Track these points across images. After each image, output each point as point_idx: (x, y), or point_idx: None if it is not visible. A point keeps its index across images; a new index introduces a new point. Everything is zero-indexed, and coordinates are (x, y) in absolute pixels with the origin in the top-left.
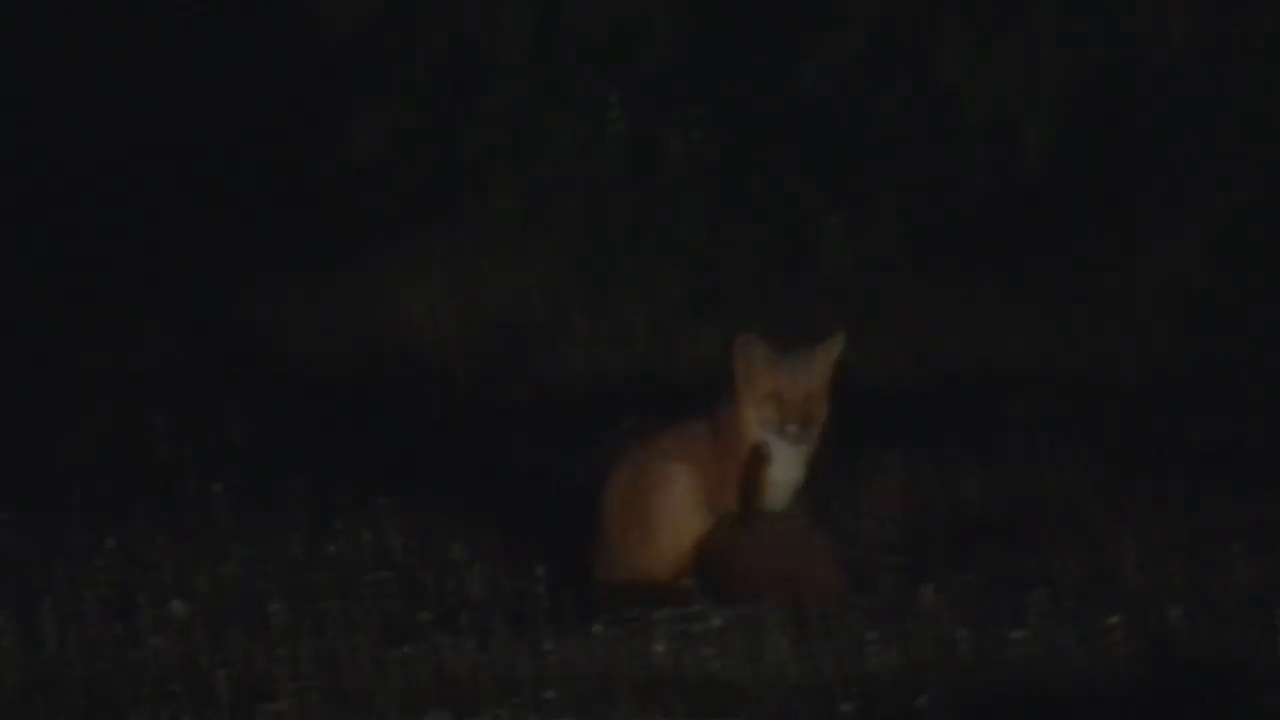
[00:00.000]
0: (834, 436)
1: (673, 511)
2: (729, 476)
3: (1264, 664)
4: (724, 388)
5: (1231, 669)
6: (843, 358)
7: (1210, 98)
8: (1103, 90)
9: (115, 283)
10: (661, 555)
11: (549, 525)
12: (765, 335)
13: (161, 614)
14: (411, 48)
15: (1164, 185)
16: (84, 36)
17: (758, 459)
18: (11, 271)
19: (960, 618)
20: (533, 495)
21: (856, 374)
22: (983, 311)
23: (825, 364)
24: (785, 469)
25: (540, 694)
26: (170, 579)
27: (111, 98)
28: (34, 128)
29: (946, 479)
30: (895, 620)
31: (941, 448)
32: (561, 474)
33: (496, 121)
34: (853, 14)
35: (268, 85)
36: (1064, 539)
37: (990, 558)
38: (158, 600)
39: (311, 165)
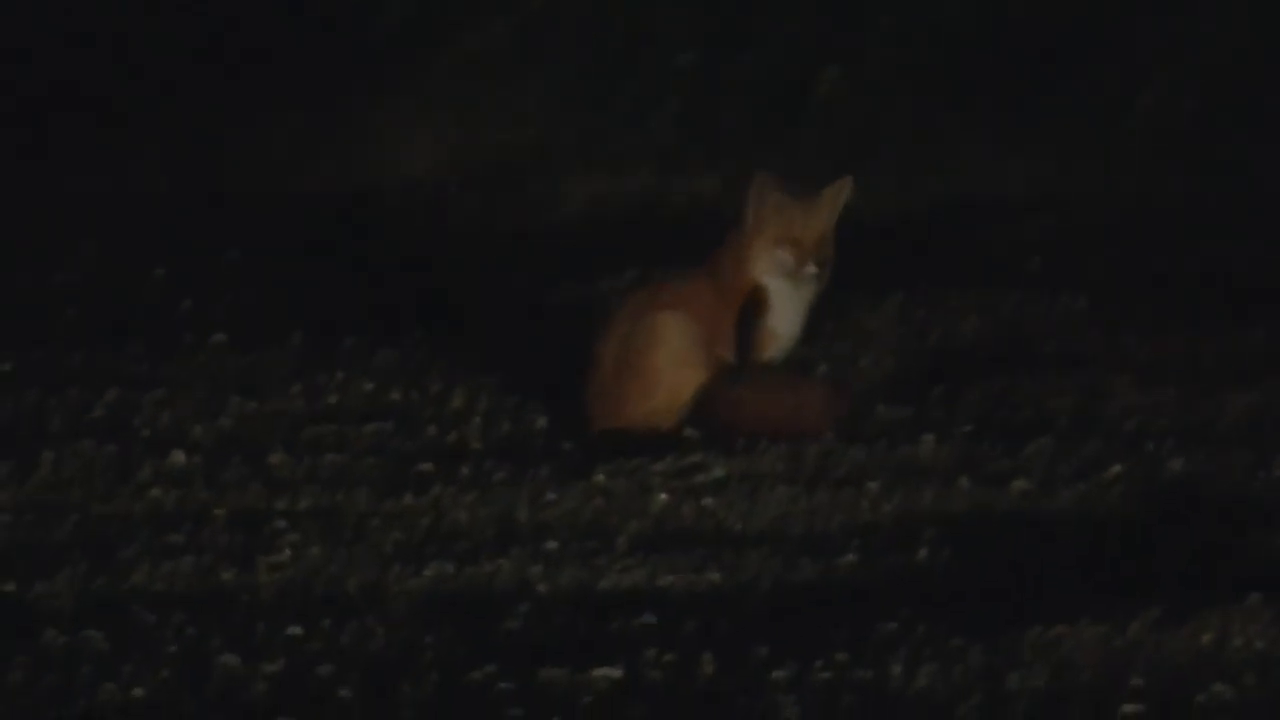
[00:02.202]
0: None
1: (671, 361)
2: (727, 325)
3: (1261, 498)
4: (724, 233)
5: (1229, 506)
6: (848, 202)
7: None
8: None
9: (102, 115)
10: (660, 405)
11: (550, 373)
12: (776, 177)
13: (161, 465)
14: None
15: (1161, 12)
16: None
17: (757, 305)
18: None
19: (960, 468)
20: (534, 340)
21: (850, 202)
22: (978, 143)
23: (834, 208)
24: (787, 319)
25: (541, 544)
26: (170, 430)
27: None
28: None
29: (943, 312)
30: (895, 471)
31: (938, 281)
32: (561, 313)
33: None
34: None
35: None
36: (1061, 372)
37: (988, 399)
38: (157, 452)
39: None
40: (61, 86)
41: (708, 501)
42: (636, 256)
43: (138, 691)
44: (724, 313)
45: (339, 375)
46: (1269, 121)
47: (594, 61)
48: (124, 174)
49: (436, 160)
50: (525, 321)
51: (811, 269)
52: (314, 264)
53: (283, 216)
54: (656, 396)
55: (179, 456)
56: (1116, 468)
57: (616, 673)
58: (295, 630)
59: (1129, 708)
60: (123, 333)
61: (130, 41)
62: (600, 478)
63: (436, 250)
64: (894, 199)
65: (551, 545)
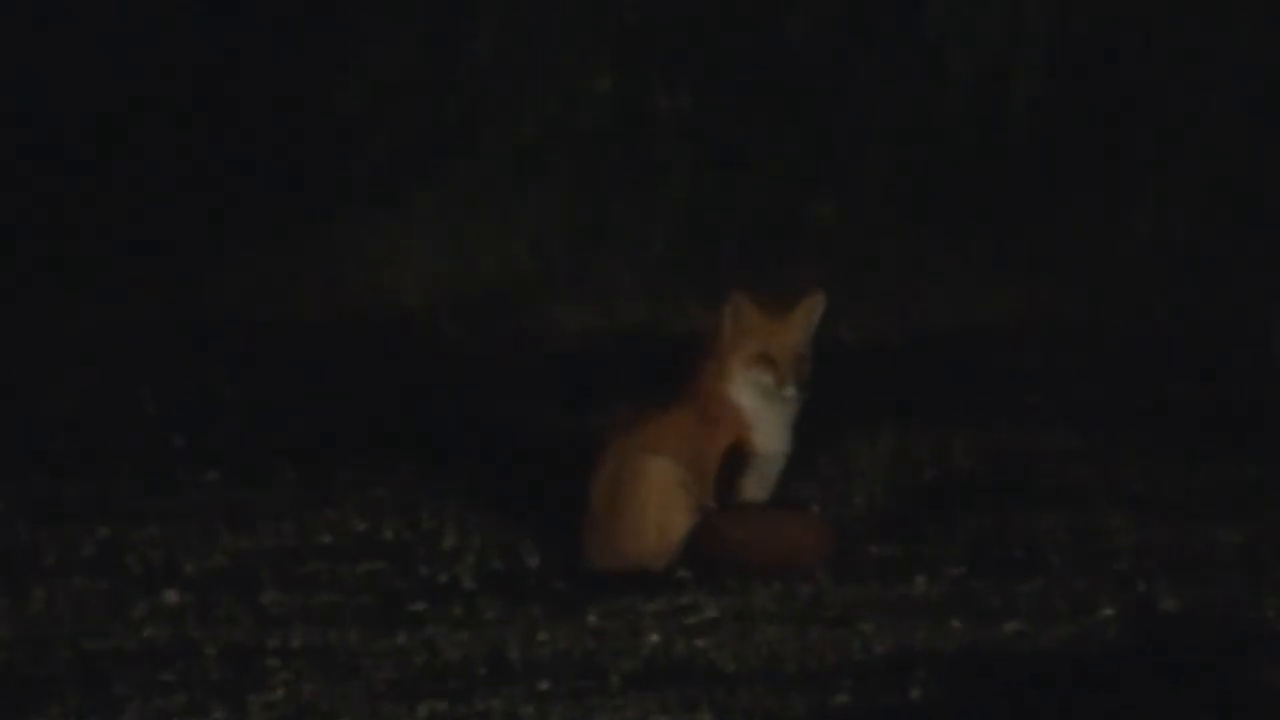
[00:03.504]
0: (821, 398)
1: (660, 503)
2: (713, 452)
3: (1255, 635)
4: (701, 357)
5: (1223, 644)
6: (823, 318)
7: (1198, 53)
8: (1091, 45)
9: (92, 246)
10: (651, 546)
11: (543, 510)
12: (753, 296)
13: (154, 602)
14: (397, 1)
15: (1152, 142)
16: None
17: (740, 449)
18: None
19: (953, 609)
20: (525, 474)
21: (843, 335)
22: (971, 271)
23: (809, 324)
24: (770, 436)
25: (534, 683)
26: (163, 568)
27: (91, 53)
28: (11, 86)
29: (935, 442)
30: (888, 611)
31: (930, 410)
32: (554, 447)
33: (483, 77)
34: None
35: (250, 40)
36: (1054, 508)
37: (981, 535)
38: (150, 588)
39: (295, 122)
40: (51, 215)
41: (700, 641)
42: (629, 387)
43: None
44: (707, 442)
45: (331, 512)
46: (1258, 252)
47: (585, 191)
48: (114, 304)
49: (428, 289)
50: (518, 456)
51: (791, 390)
52: (305, 396)
53: (274, 345)
54: (647, 538)
55: (171, 593)
56: (1110, 608)
57: None
58: None
59: None
60: (115, 468)
61: (118, 170)
62: (592, 617)
63: (428, 381)
64: (886, 332)
65: (544, 684)
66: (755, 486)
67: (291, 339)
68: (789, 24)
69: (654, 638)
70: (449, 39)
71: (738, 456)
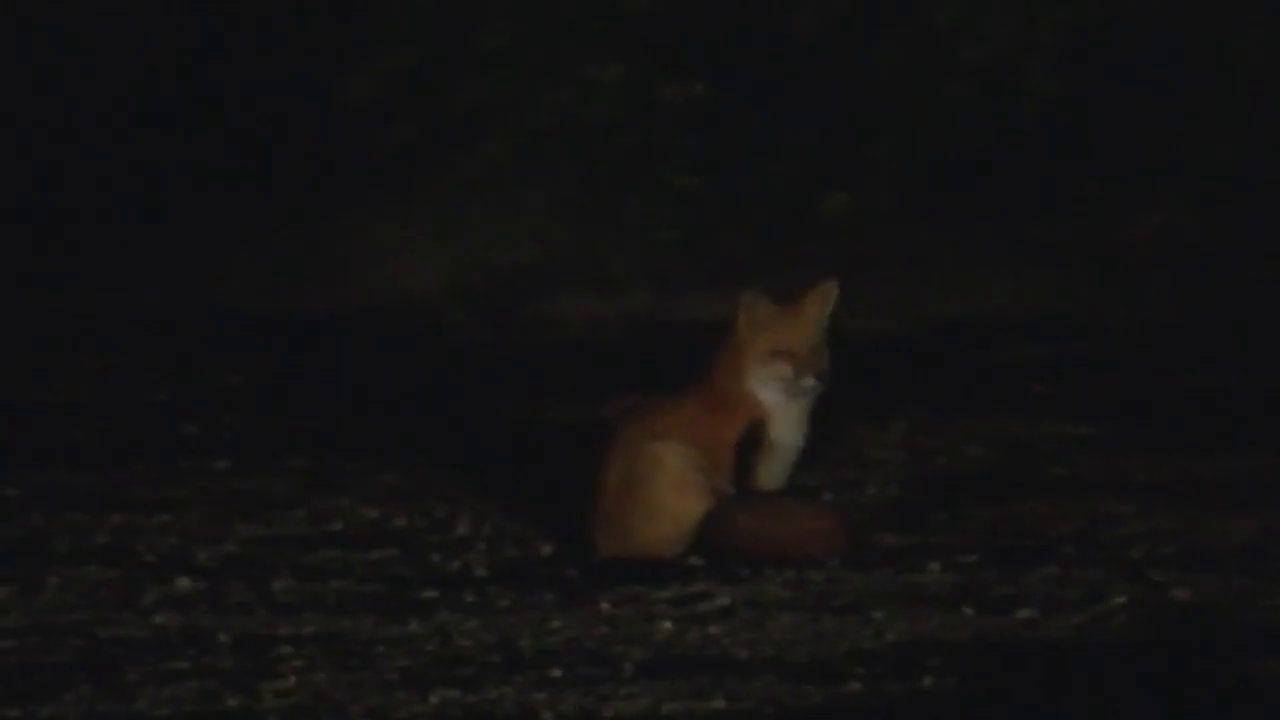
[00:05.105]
0: (832, 388)
1: (674, 490)
2: (726, 443)
3: (1266, 625)
4: (717, 352)
5: (1234, 633)
6: (837, 306)
7: (1207, 47)
8: (1101, 40)
9: (103, 234)
10: (664, 533)
11: (554, 498)
12: (766, 290)
13: (165, 590)
14: None
15: (1161, 135)
16: None
17: (756, 437)
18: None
19: (964, 597)
20: (536, 462)
21: (854, 325)
22: (981, 261)
23: (823, 313)
24: (788, 429)
25: (546, 671)
26: (174, 556)
27: (103, 42)
28: (22, 73)
29: (947, 438)
30: (900, 600)
31: (941, 407)
32: (564, 436)
33: (491, 68)
34: None
35: (258, 30)
36: (1065, 497)
37: (992, 526)
38: (161, 576)
39: (303, 112)
40: (62, 206)
41: (712, 629)
42: (636, 379)
43: None
44: (721, 432)
45: (343, 500)
46: (1267, 245)
47: (593, 183)
48: (124, 295)
49: (435, 281)
50: (528, 444)
51: (809, 381)
52: (316, 386)
53: (283, 337)
54: (660, 525)
55: (183, 581)
56: (1121, 596)
57: None
58: None
59: None
60: (126, 456)
61: (130, 162)
62: (604, 605)
63: (437, 372)
64: (896, 323)
65: (556, 672)
66: (772, 477)
67: (302, 328)
68: (800, 13)
69: (666, 626)
70: (457, 29)
71: (756, 443)
